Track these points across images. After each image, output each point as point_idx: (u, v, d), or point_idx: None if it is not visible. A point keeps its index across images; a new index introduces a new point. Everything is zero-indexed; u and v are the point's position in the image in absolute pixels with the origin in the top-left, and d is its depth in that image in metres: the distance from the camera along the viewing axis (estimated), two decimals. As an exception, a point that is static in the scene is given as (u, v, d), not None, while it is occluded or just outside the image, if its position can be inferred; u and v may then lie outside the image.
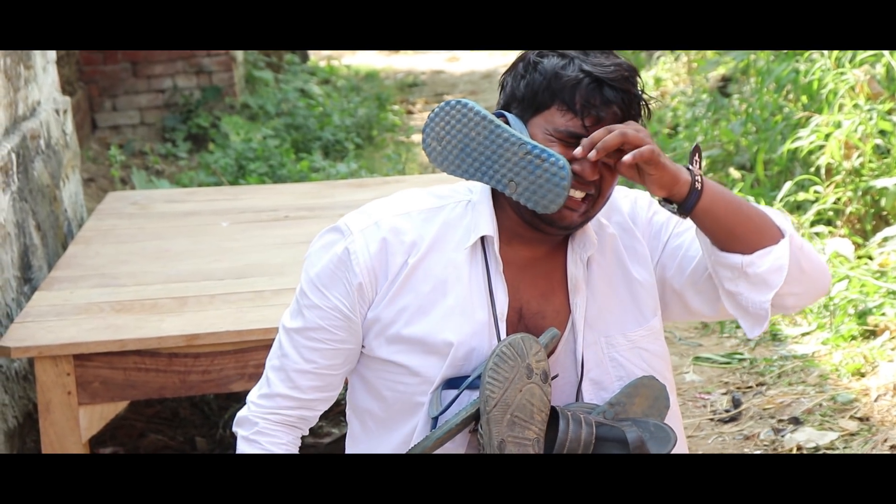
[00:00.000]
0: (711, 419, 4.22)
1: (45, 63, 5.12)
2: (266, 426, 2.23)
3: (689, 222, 2.18)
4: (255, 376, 2.33)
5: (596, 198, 2.14)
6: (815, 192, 5.38)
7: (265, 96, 8.73)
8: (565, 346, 2.21)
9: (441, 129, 2.15)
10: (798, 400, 4.21)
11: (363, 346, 2.21)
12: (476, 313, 2.16)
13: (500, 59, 11.73)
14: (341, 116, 8.65)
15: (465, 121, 2.13)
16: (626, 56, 2.33)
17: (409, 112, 9.94)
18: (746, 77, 7.26)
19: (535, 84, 2.10)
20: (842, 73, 5.47)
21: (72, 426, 3.37)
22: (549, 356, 2.13)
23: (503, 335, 2.15)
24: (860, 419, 4.01)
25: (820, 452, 3.85)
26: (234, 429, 2.28)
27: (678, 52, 8.73)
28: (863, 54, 5.47)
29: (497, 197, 2.19)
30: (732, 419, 4.20)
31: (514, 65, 2.16)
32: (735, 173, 6.01)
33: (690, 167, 2.10)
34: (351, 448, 2.30)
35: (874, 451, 3.78)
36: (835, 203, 5.31)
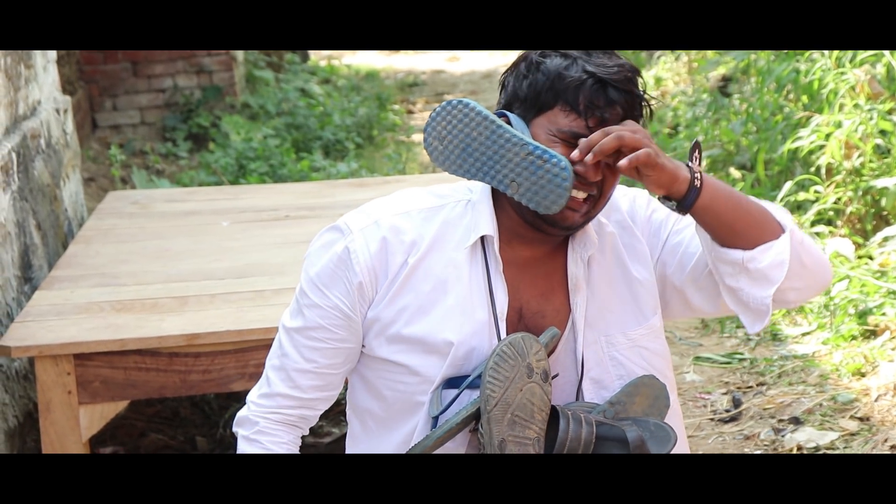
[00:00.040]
0: (712, 419, 4.22)
1: (45, 62, 5.12)
2: (267, 425, 2.23)
3: (688, 219, 2.18)
4: (256, 376, 2.33)
5: (597, 198, 2.14)
6: (816, 191, 5.38)
7: (266, 96, 8.73)
8: (565, 346, 2.21)
9: (443, 129, 2.14)
10: (798, 400, 4.21)
11: (363, 346, 2.21)
12: (476, 313, 2.16)
13: (501, 59, 11.73)
14: (342, 116, 8.65)
15: (466, 121, 2.13)
16: (626, 56, 2.33)
17: (410, 112, 9.94)
18: (747, 77, 7.26)
19: (538, 84, 2.10)
20: (842, 73, 5.47)
21: (72, 425, 3.37)
22: (549, 355, 2.14)
23: (503, 335, 2.15)
24: (860, 419, 4.01)
25: (820, 452, 3.85)
26: (235, 429, 2.27)
27: (678, 51, 8.73)
28: (863, 54, 5.47)
29: (497, 196, 2.19)
30: (733, 419, 4.20)
31: (516, 64, 2.16)
32: (735, 173, 6.01)
33: (690, 164, 2.10)
34: (351, 448, 2.30)
35: (874, 451, 3.79)
36: (835, 203, 5.31)
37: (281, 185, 5.90)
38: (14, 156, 4.29)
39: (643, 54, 9.27)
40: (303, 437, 2.29)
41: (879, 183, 5.08)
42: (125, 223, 4.64)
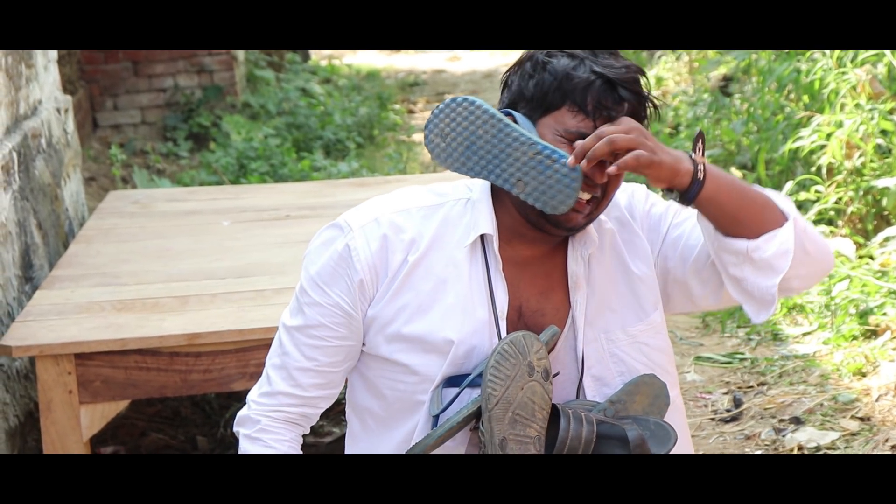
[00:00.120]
0: (712, 419, 4.22)
1: (46, 62, 5.12)
2: (269, 423, 2.23)
3: (688, 211, 2.17)
4: (257, 375, 2.33)
5: (600, 200, 2.13)
6: (817, 191, 5.38)
7: (266, 95, 8.73)
8: (565, 343, 2.21)
9: (446, 126, 2.13)
10: (799, 400, 4.21)
11: (364, 344, 2.21)
12: (476, 312, 2.16)
13: (501, 59, 11.73)
14: (342, 116, 8.65)
15: (472, 118, 2.12)
16: (626, 56, 2.32)
17: (411, 111, 9.94)
18: (748, 76, 7.26)
19: (545, 84, 2.09)
20: (843, 73, 5.47)
21: (73, 425, 3.37)
22: (548, 353, 2.13)
23: (503, 333, 2.15)
24: (861, 419, 4.01)
25: (821, 452, 3.85)
26: (236, 428, 2.27)
27: (679, 51, 8.73)
28: (864, 54, 5.47)
29: (497, 195, 2.19)
30: (733, 419, 4.20)
31: (521, 63, 2.15)
32: (736, 173, 6.01)
33: (693, 155, 2.08)
34: (351, 447, 2.30)
35: (875, 451, 3.78)
36: (836, 203, 5.31)
37: (282, 184, 5.90)
38: (15, 155, 4.29)
39: (644, 54, 9.27)
40: (303, 437, 2.29)
41: (880, 183, 5.08)
42: (126, 223, 4.64)
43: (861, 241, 5.15)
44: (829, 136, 5.29)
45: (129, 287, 3.83)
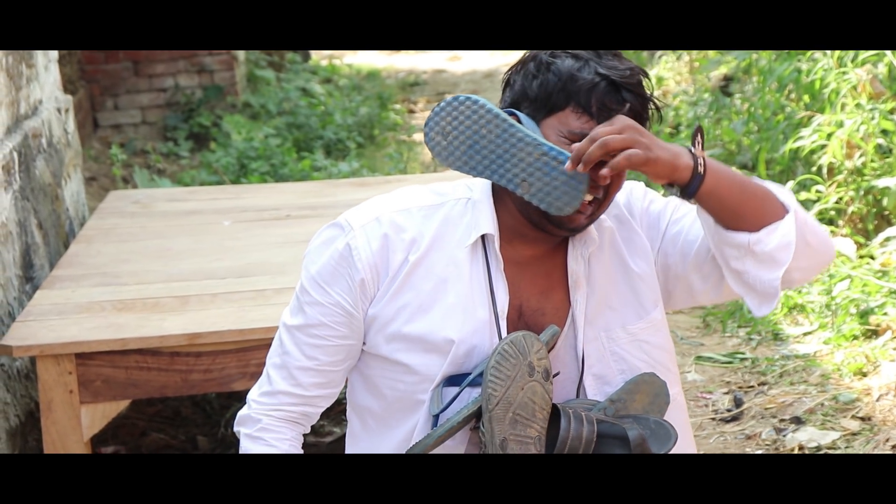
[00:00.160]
0: (713, 419, 4.22)
1: (46, 62, 5.12)
2: (270, 422, 2.23)
3: (687, 206, 2.17)
4: (257, 375, 2.33)
5: (602, 200, 2.13)
6: (817, 191, 5.38)
7: (267, 95, 8.73)
8: (565, 342, 2.21)
9: (447, 125, 2.12)
10: (800, 399, 4.21)
11: (364, 343, 2.21)
12: (477, 311, 2.16)
13: (502, 59, 11.73)
14: (343, 115, 8.65)
15: (475, 117, 2.11)
16: (627, 55, 2.33)
17: (411, 111, 9.94)
18: (748, 76, 7.26)
19: (549, 85, 2.09)
20: (844, 73, 5.47)
21: (73, 425, 3.37)
22: (549, 353, 2.13)
23: (504, 333, 2.15)
24: (862, 419, 4.01)
25: (822, 452, 3.85)
26: (236, 428, 2.27)
27: (680, 51, 8.73)
28: (865, 54, 5.47)
29: (498, 195, 2.18)
30: (734, 419, 4.20)
31: (524, 63, 2.14)
32: (737, 173, 6.00)
33: (692, 149, 2.07)
34: (351, 446, 2.30)
35: (876, 451, 3.78)
36: (837, 203, 5.31)
37: (282, 184, 5.90)
38: (15, 155, 4.29)
39: (644, 54, 9.27)
40: (304, 436, 2.29)
41: (881, 183, 5.08)
42: (126, 222, 4.64)
43: (862, 240, 5.15)
44: (829, 135, 5.29)
45: (130, 287, 3.83)
